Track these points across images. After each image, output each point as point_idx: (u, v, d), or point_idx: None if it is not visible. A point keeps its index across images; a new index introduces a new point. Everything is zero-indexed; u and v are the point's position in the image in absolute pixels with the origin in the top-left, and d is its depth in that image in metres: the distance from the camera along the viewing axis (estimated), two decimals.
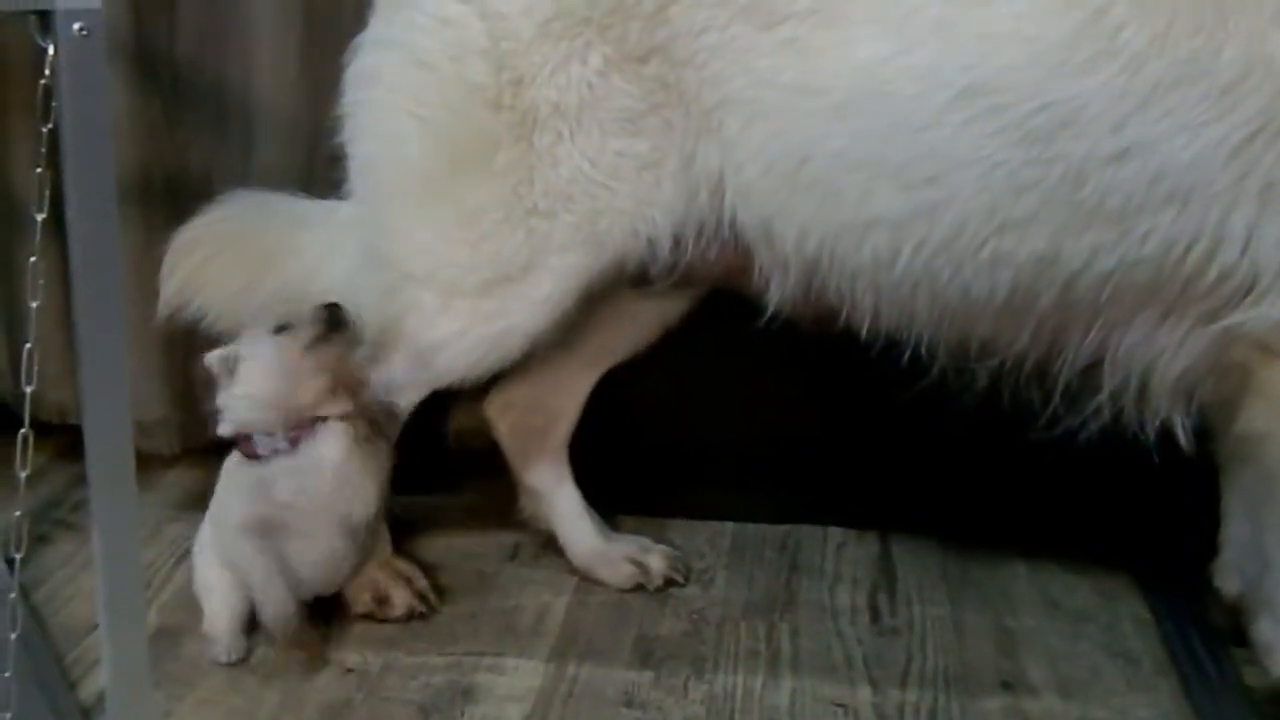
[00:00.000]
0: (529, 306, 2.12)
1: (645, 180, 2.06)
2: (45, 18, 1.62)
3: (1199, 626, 2.26)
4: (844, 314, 2.08)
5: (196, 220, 2.29)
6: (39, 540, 2.44)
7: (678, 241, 2.09)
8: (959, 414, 2.14)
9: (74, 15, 1.60)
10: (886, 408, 2.30)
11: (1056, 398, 2.04)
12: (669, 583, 2.39)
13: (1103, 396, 2.01)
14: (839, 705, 2.09)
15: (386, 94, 2.12)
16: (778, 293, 2.11)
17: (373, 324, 2.21)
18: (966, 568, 2.47)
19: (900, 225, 1.96)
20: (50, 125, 1.65)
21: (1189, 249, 1.86)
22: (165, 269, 2.28)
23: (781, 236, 2.04)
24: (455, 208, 2.10)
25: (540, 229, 2.09)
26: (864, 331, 2.09)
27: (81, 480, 1.76)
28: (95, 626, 1.90)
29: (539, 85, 2.04)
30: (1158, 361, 1.96)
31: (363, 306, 2.22)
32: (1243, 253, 1.84)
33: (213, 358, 2.10)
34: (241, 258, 2.28)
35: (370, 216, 2.18)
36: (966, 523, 2.52)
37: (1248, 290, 1.86)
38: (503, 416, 2.40)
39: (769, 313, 2.13)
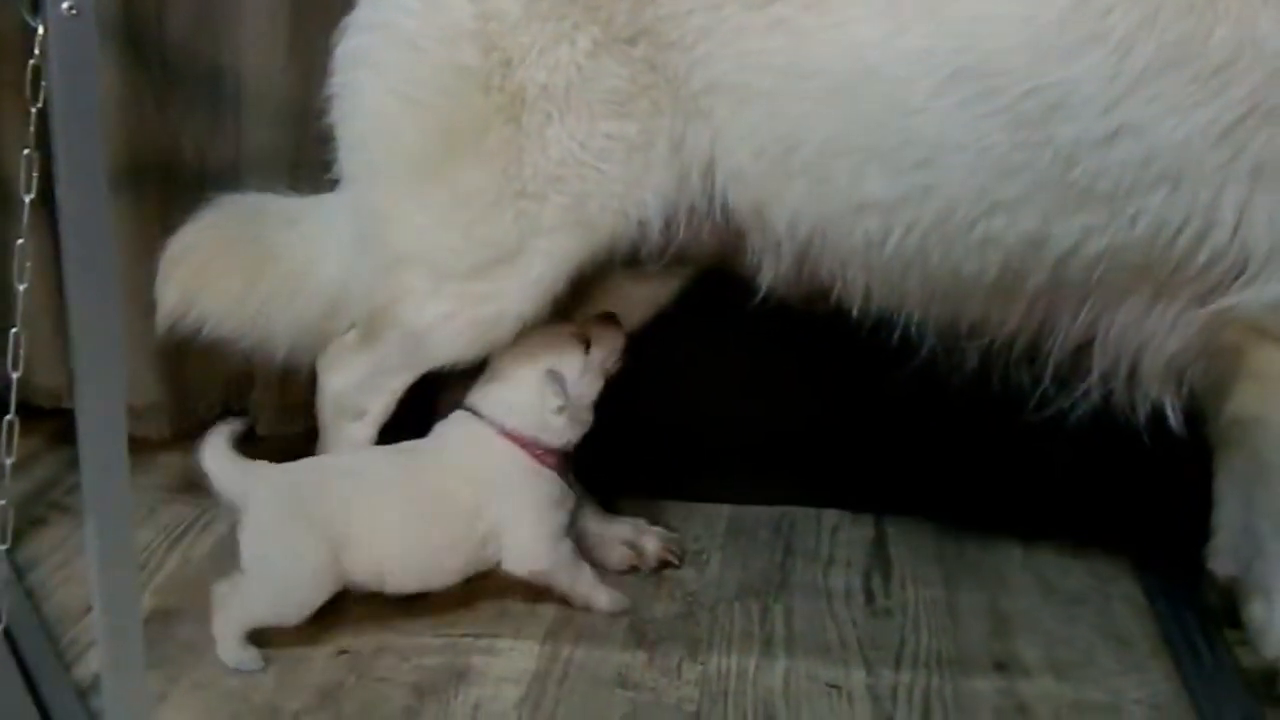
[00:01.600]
0: (520, 289, 2.12)
1: (635, 162, 2.05)
2: None
3: (1193, 608, 2.26)
4: (835, 294, 2.09)
5: (187, 228, 2.28)
6: (33, 523, 2.43)
7: (669, 223, 2.09)
8: (954, 397, 2.14)
9: None
10: (882, 390, 2.29)
11: (1047, 379, 2.04)
12: (664, 564, 2.39)
13: (1093, 378, 2.02)
14: (833, 686, 2.09)
15: (375, 76, 2.11)
16: (770, 273, 2.11)
17: (364, 307, 2.20)
18: (961, 550, 2.47)
19: (891, 208, 1.95)
20: (40, 105, 1.64)
21: (1179, 231, 1.86)
22: (160, 280, 2.26)
23: (773, 220, 2.04)
24: (445, 190, 2.10)
25: (530, 211, 2.08)
26: (855, 311, 2.09)
27: (75, 464, 1.76)
28: (90, 609, 1.90)
29: (527, 67, 2.03)
30: (1148, 344, 1.97)
31: (355, 290, 2.22)
32: (1233, 235, 1.84)
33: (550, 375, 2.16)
34: (237, 260, 2.27)
35: (360, 199, 2.18)
36: (961, 505, 2.52)
37: (1238, 273, 1.86)
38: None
39: (761, 293, 2.13)
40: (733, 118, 1.99)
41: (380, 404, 2.24)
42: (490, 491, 2.17)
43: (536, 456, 2.19)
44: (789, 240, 2.05)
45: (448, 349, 2.17)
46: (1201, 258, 1.86)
